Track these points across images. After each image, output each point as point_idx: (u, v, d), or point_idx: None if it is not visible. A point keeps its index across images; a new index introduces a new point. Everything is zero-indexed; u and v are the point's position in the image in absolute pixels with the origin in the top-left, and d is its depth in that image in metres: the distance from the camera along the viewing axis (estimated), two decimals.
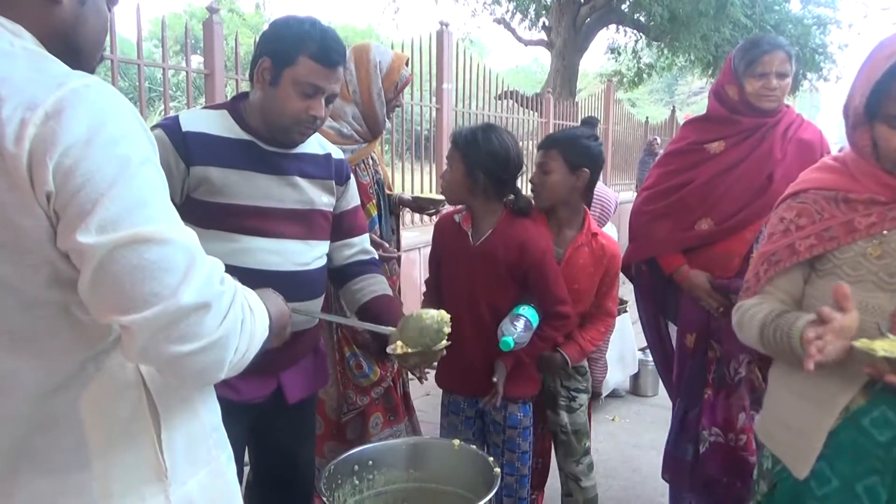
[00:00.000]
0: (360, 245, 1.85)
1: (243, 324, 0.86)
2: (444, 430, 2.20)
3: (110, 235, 0.74)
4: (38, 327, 0.80)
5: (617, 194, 3.14)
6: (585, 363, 2.39)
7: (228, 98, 1.86)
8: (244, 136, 1.56)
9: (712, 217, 2.22)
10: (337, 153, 1.76)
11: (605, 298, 2.23)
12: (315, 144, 1.69)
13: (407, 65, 2.37)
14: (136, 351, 0.79)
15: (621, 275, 2.44)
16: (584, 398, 2.36)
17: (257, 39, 1.58)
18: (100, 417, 0.84)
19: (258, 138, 1.57)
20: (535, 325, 1.95)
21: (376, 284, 1.81)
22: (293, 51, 1.48)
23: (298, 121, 1.53)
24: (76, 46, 0.88)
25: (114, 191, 0.75)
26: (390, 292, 1.83)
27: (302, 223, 1.63)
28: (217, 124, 1.55)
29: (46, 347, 0.80)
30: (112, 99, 0.79)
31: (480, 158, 1.92)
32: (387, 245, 2.38)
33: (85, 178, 0.74)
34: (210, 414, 1.00)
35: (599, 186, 2.70)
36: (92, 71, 0.91)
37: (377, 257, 1.92)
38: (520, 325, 1.89)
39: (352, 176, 1.82)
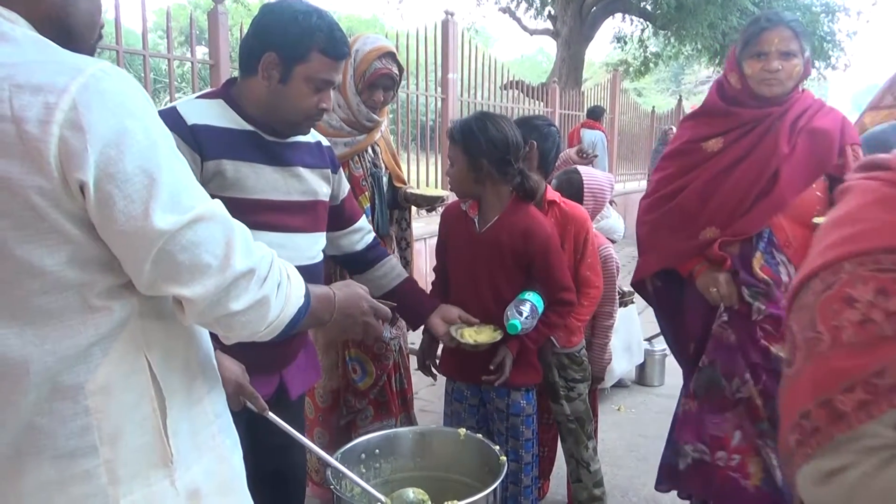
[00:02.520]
0: (366, 227, 1.92)
1: (280, 286, 0.97)
2: (448, 419, 2.21)
3: (173, 219, 0.82)
4: (51, 312, 0.81)
5: (612, 176, 3.09)
6: (583, 352, 2.41)
7: None
8: (247, 126, 1.54)
9: (716, 225, 2.00)
10: (324, 140, 1.76)
11: (582, 266, 2.24)
12: None
13: (386, 58, 2.21)
14: (193, 315, 0.89)
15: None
16: (582, 387, 2.39)
17: (253, 27, 1.51)
18: (106, 403, 0.84)
19: (259, 128, 1.55)
20: (540, 311, 1.95)
21: (397, 267, 1.96)
22: (304, 47, 1.44)
23: (309, 115, 1.53)
24: (68, 28, 0.88)
25: (163, 178, 0.81)
26: (406, 273, 2.00)
27: (307, 215, 1.63)
28: (218, 115, 1.52)
29: (56, 333, 0.81)
30: (130, 84, 0.82)
31: (481, 147, 1.91)
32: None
33: (133, 166, 0.78)
34: (214, 401, 1.01)
35: (590, 172, 2.67)
36: (91, 52, 0.93)
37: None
38: (526, 309, 1.90)
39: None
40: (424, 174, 5.69)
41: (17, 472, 0.83)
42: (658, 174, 2.21)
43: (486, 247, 1.99)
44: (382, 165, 2.41)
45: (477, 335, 1.89)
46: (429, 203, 2.52)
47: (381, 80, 2.21)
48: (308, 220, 1.63)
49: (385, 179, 2.42)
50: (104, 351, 0.84)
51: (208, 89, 1.71)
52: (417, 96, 5.67)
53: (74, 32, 0.89)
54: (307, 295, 1.06)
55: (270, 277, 0.95)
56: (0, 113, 0.73)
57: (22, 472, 0.83)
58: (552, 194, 2.27)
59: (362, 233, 1.89)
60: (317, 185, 1.65)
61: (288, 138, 1.60)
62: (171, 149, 0.85)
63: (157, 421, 0.89)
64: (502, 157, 1.93)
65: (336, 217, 1.77)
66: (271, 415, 1.40)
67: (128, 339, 0.86)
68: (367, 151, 2.34)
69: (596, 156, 3.93)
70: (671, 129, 10.17)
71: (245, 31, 1.62)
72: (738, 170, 1.97)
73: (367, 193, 2.32)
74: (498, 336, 1.90)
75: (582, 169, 2.69)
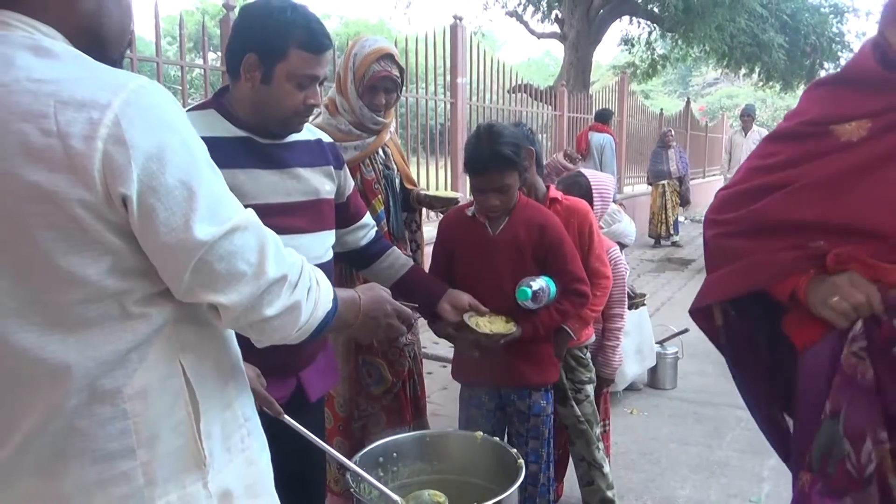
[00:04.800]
0: (371, 223, 1.92)
1: (310, 291, 1.00)
2: (463, 424, 2.21)
3: (212, 230, 0.85)
4: (92, 319, 0.82)
5: (613, 177, 3.17)
6: (588, 354, 2.43)
7: None
8: (239, 132, 1.53)
9: (831, 239, 1.32)
10: (326, 137, 1.76)
11: (591, 258, 2.26)
12: (304, 131, 1.67)
13: (384, 60, 2.18)
14: (229, 321, 0.92)
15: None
16: (589, 389, 2.42)
17: (233, 30, 1.51)
18: (144, 407, 0.86)
19: (252, 133, 1.55)
20: (552, 292, 1.96)
21: (401, 257, 1.95)
22: (282, 44, 1.43)
23: (297, 112, 1.52)
24: (102, 37, 0.90)
25: (202, 191, 0.84)
26: (411, 261, 1.99)
27: (310, 215, 1.63)
28: (209, 125, 1.51)
29: (96, 339, 0.83)
30: (167, 99, 0.85)
31: (522, 155, 1.96)
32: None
33: (174, 180, 0.81)
34: (244, 405, 1.02)
35: (594, 174, 2.74)
36: (121, 58, 0.96)
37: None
38: (536, 284, 1.92)
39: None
40: (434, 178, 5.71)
41: (60, 472, 0.85)
42: (752, 161, 1.50)
43: (503, 246, 2.01)
44: (394, 167, 2.41)
45: (491, 325, 1.89)
46: (443, 205, 2.53)
47: (380, 83, 2.20)
48: (312, 219, 1.63)
49: (397, 181, 2.42)
50: (141, 356, 0.86)
51: (200, 101, 1.72)
52: (426, 101, 5.68)
53: (108, 41, 0.91)
54: (335, 299, 1.08)
55: (301, 283, 0.98)
56: (46, 128, 0.75)
57: (64, 473, 0.84)
58: (553, 192, 2.33)
59: (367, 229, 1.90)
60: (318, 184, 1.65)
61: (283, 138, 1.60)
62: (207, 161, 0.88)
63: (191, 424, 0.91)
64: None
65: (341, 214, 1.77)
66: (287, 418, 1.41)
67: (163, 344, 0.88)
68: (377, 153, 2.34)
69: (581, 157, 3.92)
70: (670, 130, 10.09)
71: None
72: (887, 171, 1.30)
73: (380, 197, 2.32)
74: (512, 328, 1.91)
75: (586, 172, 2.77)
